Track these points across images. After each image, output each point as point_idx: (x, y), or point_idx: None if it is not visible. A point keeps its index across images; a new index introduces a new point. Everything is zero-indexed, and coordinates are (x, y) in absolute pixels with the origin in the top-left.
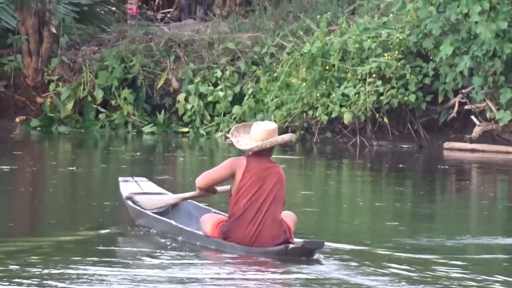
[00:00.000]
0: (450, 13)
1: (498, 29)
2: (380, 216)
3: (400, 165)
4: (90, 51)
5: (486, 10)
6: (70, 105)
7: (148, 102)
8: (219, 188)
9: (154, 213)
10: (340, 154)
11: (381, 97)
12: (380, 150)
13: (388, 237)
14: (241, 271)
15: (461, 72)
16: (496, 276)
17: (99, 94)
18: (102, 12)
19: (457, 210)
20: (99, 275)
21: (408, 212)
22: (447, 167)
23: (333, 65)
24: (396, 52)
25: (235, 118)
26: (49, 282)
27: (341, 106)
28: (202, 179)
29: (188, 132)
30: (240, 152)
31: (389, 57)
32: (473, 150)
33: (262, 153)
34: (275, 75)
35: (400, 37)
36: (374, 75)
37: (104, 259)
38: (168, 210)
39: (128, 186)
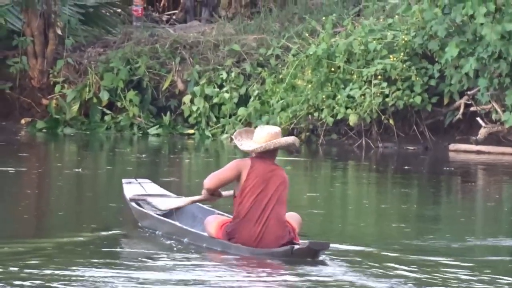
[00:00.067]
0: (455, 15)
1: (504, 31)
2: (386, 218)
3: (406, 167)
4: (96, 53)
5: (492, 11)
6: (75, 107)
7: (153, 104)
8: (223, 193)
9: (158, 214)
10: (345, 156)
11: (387, 99)
12: (386, 152)
13: (394, 239)
14: (246, 273)
15: (466, 74)
16: (503, 277)
17: (104, 96)
18: (107, 14)
19: (463, 212)
20: (104, 277)
21: (414, 214)
22: (452, 169)
23: (339, 67)
24: (402, 54)
25: (240, 120)
26: (54, 284)
27: (346, 107)
28: (210, 180)
29: (193, 134)
30: (245, 155)
31: (395, 58)
32: (478, 152)
33: (266, 155)
34: (280, 76)
35: (406, 39)
36: (379, 76)
37: (109, 260)
38: (172, 212)
39: (131, 188)
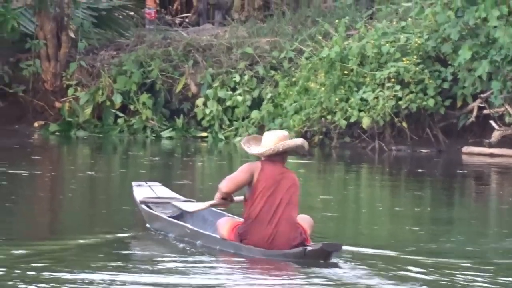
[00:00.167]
0: (468, 18)
1: None
2: (400, 220)
3: (419, 170)
4: (109, 56)
5: (505, 14)
6: (88, 110)
7: (166, 107)
8: (235, 198)
9: (169, 217)
10: (358, 159)
11: (400, 102)
12: (399, 154)
13: (408, 241)
14: (259, 275)
15: (479, 77)
16: None
17: (117, 99)
18: (120, 16)
19: (477, 214)
20: (114, 280)
21: (427, 217)
22: (466, 171)
23: (352, 70)
24: (415, 57)
25: (253, 123)
26: (65, 286)
27: (359, 110)
28: (226, 184)
29: (206, 136)
30: (257, 159)
31: (408, 61)
32: (492, 155)
33: (275, 158)
34: (293, 79)
35: (419, 42)
36: (392, 79)
37: (120, 263)
38: (182, 215)
39: (141, 191)
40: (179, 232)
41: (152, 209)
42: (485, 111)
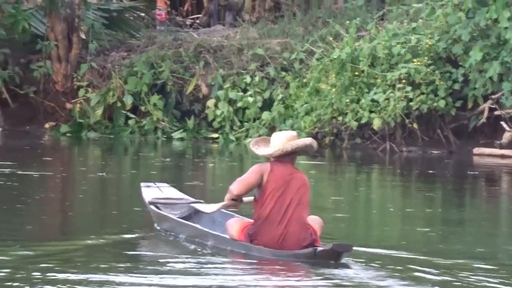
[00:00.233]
0: (479, 19)
1: None
2: (411, 221)
3: (430, 171)
4: (119, 57)
5: None
6: (99, 111)
7: (177, 108)
8: (244, 199)
9: (178, 217)
10: (369, 160)
11: (411, 103)
12: (410, 156)
13: (419, 242)
14: (269, 275)
15: (490, 78)
16: None
17: (128, 100)
18: (131, 18)
19: (488, 215)
20: (124, 282)
21: (438, 218)
22: (477, 172)
23: (363, 71)
24: (426, 58)
25: (264, 124)
26: (76, 286)
27: (370, 111)
28: (237, 186)
29: (217, 138)
30: (265, 160)
31: (419, 62)
32: (503, 156)
33: (285, 159)
34: (304, 81)
35: (430, 43)
36: (403, 80)
37: (129, 264)
38: (191, 215)
39: (150, 192)
40: (189, 233)
41: (161, 210)
42: (496, 112)
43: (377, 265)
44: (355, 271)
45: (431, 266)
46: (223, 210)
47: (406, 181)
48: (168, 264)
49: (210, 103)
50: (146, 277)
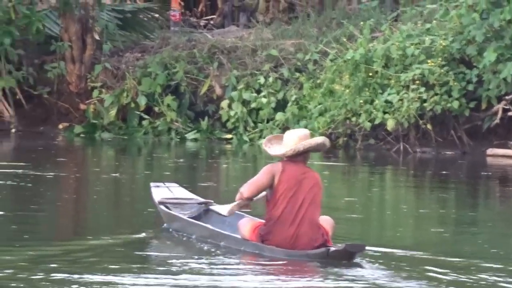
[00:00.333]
0: (493, 20)
1: None
2: (424, 222)
3: (444, 172)
4: (133, 58)
5: None
6: (113, 112)
7: (191, 109)
8: (255, 197)
9: (189, 217)
10: (383, 161)
11: (425, 104)
12: (424, 156)
13: (432, 243)
14: (282, 275)
15: (504, 79)
16: None
17: (142, 101)
18: (145, 19)
19: (501, 216)
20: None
21: (452, 219)
22: (490, 173)
23: (376, 72)
24: (440, 59)
25: (278, 124)
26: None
27: (384, 112)
28: (248, 188)
29: (231, 138)
30: (278, 159)
31: (433, 63)
32: None
33: (297, 158)
34: (318, 81)
35: (444, 44)
36: (417, 81)
37: (140, 265)
38: (201, 215)
39: (159, 192)
40: (199, 233)
41: (171, 210)
42: (509, 113)
43: (390, 265)
44: (368, 271)
45: (445, 266)
46: None
47: (419, 182)
48: (180, 265)
49: (224, 104)
50: (158, 277)
